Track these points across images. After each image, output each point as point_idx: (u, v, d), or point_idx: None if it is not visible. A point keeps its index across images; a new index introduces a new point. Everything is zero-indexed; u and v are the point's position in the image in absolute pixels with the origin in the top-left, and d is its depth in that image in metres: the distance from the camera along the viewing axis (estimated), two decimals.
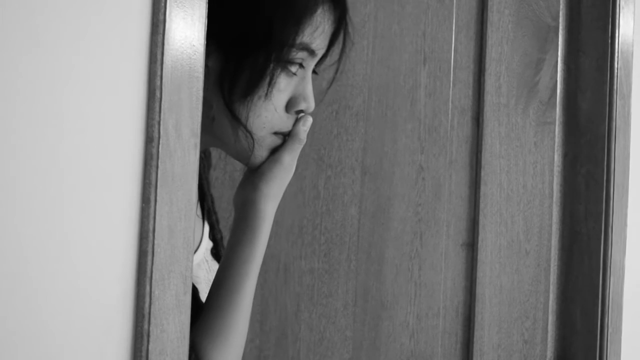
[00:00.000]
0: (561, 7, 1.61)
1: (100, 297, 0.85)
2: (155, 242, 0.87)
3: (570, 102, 1.63)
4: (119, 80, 0.87)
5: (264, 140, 0.89)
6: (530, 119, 1.61)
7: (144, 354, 0.86)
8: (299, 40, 0.85)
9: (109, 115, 0.86)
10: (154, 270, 0.87)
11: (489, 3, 1.61)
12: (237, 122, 0.87)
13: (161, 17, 0.87)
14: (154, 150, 0.87)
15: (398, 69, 1.60)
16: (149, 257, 0.87)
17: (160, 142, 0.88)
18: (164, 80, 0.88)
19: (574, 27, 1.62)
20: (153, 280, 0.87)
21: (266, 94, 0.86)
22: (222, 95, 0.86)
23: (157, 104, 0.88)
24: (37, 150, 0.80)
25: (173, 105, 0.89)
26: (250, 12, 0.85)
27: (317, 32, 0.86)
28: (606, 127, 1.60)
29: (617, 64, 1.60)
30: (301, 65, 0.89)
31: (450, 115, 1.60)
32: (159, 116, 0.88)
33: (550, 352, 1.61)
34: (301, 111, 0.91)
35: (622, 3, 1.59)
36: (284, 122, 0.89)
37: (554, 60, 1.61)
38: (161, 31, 0.87)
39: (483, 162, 1.60)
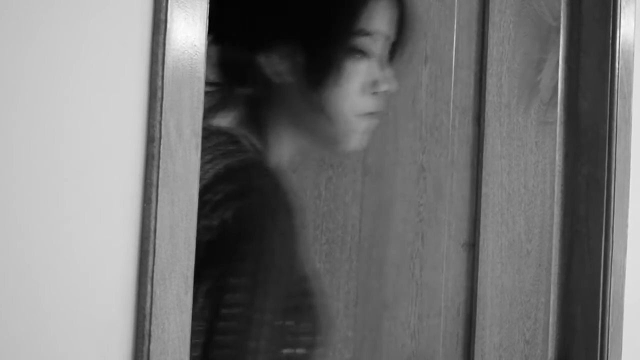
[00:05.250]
0: (562, 7, 1.61)
1: (102, 297, 0.85)
2: (157, 242, 0.87)
3: (571, 102, 1.63)
4: (120, 80, 0.87)
5: (358, 124, 0.92)
6: (531, 119, 1.61)
7: (145, 354, 0.86)
8: (357, 27, 0.89)
9: (110, 115, 0.86)
10: (155, 270, 0.87)
11: (490, 3, 1.61)
12: (320, 111, 0.90)
13: (162, 17, 0.88)
14: (155, 150, 0.88)
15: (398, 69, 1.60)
16: (150, 257, 0.87)
17: (162, 142, 0.88)
18: (165, 80, 0.88)
19: (575, 27, 1.62)
20: (154, 280, 0.87)
21: (338, 81, 0.90)
22: (312, 88, 0.89)
23: (158, 104, 0.88)
24: (38, 150, 0.80)
25: (174, 105, 0.89)
26: (317, 7, 0.90)
27: (376, 17, 0.90)
28: (607, 127, 1.60)
29: (618, 63, 1.60)
30: (366, 51, 0.92)
31: (451, 115, 1.60)
32: (160, 116, 0.88)
33: (551, 352, 1.61)
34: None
35: (623, 3, 1.59)
36: (366, 104, 0.92)
37: (555, 60, 1.61)
38: (162, 31, 0.87)
39: (484, 162, 1.60)
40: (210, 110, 0.96)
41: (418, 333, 1.59)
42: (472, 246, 1.61)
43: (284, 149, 0.94)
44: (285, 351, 0.86)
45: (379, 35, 0.91)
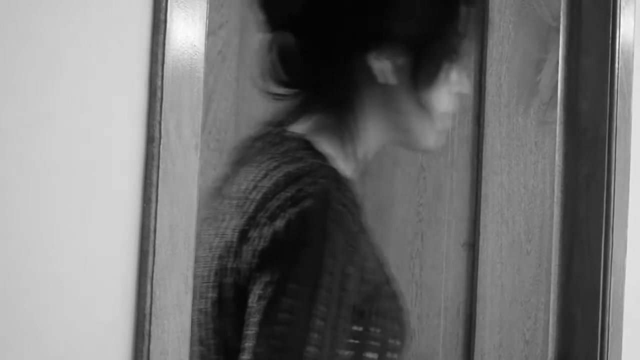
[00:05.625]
0: (562, 7, 1.61)
1: (101, 297, 0.85)
2: (157, 242, 0.87)
3: (571, 102, 1.63)
4: (120, 80, 0.87)
5: (443, 124, 0.94)
6: (531, 119, 1.61)
7: (145, 354, 0.86)
8: (457, 29, 0.92)
9: (110, 115, 0.86)
10: (155, 270, 0.87)
11: (490, 3, 1.61)
12: (425, 110, 0.91)
13: (162, 17, 0.88)
14: (155, 151, 0.88)
15: None
16: (150, 257, 0.87)
17: (162, 142, 0.88)
18: (165, 80, 0.88)
19: (575, 27, 1.62)
20: (154, 280, 0.87)
21: (441, 81, 0.92)
22: (409, 88, 0.90)
23: (158, 104, 0.88)
24: (37, 150, 0.80)
25: (174, 106, 0.89)
26: (424, 12, 0.91)
27: (469, 21, 0.92)
28: (607, 127, 1.60)
29: (618, 64, 1.60)
30: (460, 53, 0.94)
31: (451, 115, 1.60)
32: (160, 116, 0.88)
33: (551, 352, 1.61)
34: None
35: (622, 3, 1.59)
36: (450, 104, 0.94)
37: (555, 60, 1.61)
38: (162, 31, 0.87)
39: (484, 162, 1.60)
40: (289, 115, 0.94)
41: (418, 333, 1.59)
42: (472, 246, 1.61)
43: (360, 151, 0.92)
44: (370, 355, 0.84)
45: (466, 37, 0.93)
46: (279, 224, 0.83)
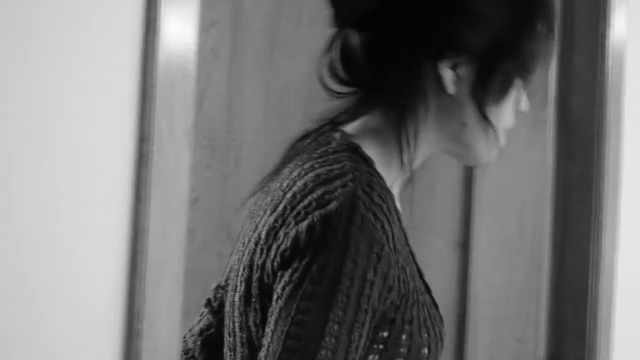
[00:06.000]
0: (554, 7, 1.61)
1: (93, 296, 0.85)
2: (149, 241, 0.87)
3: (563, 101, 1.63)
4: (112, 78, 0.87)
5: (502, 140, 0.93)
6: (523, 118, 1.61)
7: (136, 352, 0.86)
8: (535, 48, 0.91)
9: (101, 113, 0.86)
10: (146, 269, 0.87)
11: None
12: (490, 125, 0.90)
13: (154, 15, 0.87)
14: (147, 149, 0.87)
15: None
16: (142, 256, 0.87)
17: (154, 140, 0.88)
18: (157, 79, 0.88)
19: (567, 26, 1.62)
20: (146, 280, 0.87)
21: (511, 99, 0.91)
22: (477, 102, 0.89)
23: (150, 102, 0.88)
24: (28, 149, 0.80)
25: (166, 104, 0.89)
26: (499, 25, 0.90)
27: (540, 41, 0.92)
28: (598, 126, 1.61)
29: (609, 63, 1.60)
30: (529, 70, 0.93)
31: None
32: (152, 114, 0.88)
33: (542, 350, 1.61)
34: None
35: (614, 3, 1.60)
36: (510, 120, 0.94)
37: None
38: (154, 29, 0.87)
39: None
40: (344, 114, 0.92)
41: None
42: (464, 245, 1.61)
43: (406, 158, 0.91)
44: None
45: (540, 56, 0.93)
46: (303, 225, 0.82)
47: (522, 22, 0.92)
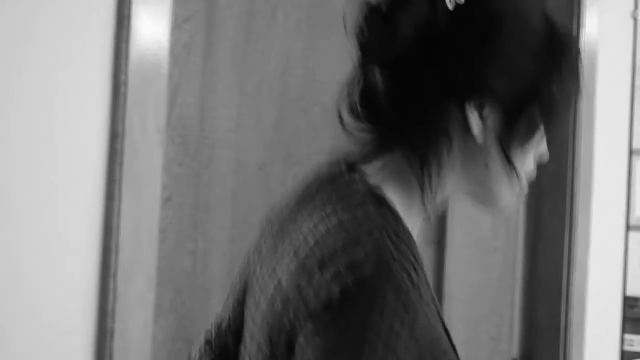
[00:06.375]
0: None
1: (64, 295, 0.84)
2: (120, 238, 0.87)
3: None
4: (83, 75, 0.86)
5: (523, 188, 0.92)
6: None
7: (108, 351, 0.86)
8: (558, 93, 0.90)
9: (73, 111, 0.85)
10: (118, 267, 0.86)
11: None
12: (514, 168, 0.89)
13: (126, 12, 0.87)
14: (119, 146, 0.87)
15: None
16: (113, 254, 0.86)
17: (125, 138, 0.87)
18: (129, 76, 0.87)
19: None
20: (117, 277, 0.86)
21: (534, 144, 0.91)
22: (502, 145, 0.88)
23: (122, 100, 0.87)
24: None
25: (138, 101, 0.88)
26: (529, 70, 0.90)
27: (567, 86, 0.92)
28: (571, 126, 1.62)
29: (581, 63, 1.61)
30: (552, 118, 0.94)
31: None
32: (124, 112, 0.87)
33: (515, 348, 1.62)
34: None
35: (586, 3, 1.61)
36: (531, 170, 0.93)
37: None
38: (127, 26, 0.87)
39: None
40: (361, 153, 0.90)
41: None
42: (439, 244, 1.62)
43: (427, 200, 0.89)
44: None
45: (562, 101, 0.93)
46: (328, 276, 0.81)
47: (551, 67, 0.92)
